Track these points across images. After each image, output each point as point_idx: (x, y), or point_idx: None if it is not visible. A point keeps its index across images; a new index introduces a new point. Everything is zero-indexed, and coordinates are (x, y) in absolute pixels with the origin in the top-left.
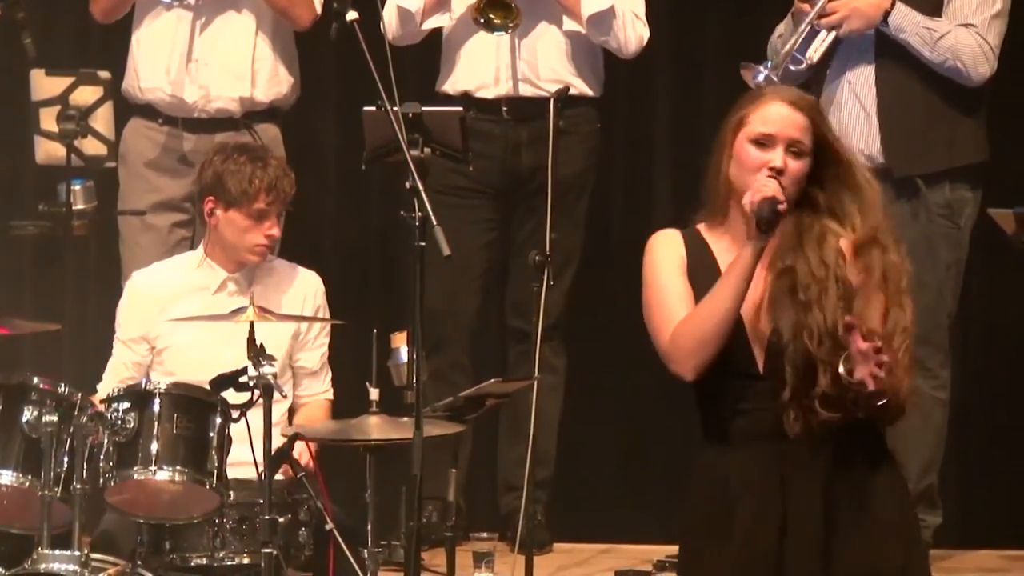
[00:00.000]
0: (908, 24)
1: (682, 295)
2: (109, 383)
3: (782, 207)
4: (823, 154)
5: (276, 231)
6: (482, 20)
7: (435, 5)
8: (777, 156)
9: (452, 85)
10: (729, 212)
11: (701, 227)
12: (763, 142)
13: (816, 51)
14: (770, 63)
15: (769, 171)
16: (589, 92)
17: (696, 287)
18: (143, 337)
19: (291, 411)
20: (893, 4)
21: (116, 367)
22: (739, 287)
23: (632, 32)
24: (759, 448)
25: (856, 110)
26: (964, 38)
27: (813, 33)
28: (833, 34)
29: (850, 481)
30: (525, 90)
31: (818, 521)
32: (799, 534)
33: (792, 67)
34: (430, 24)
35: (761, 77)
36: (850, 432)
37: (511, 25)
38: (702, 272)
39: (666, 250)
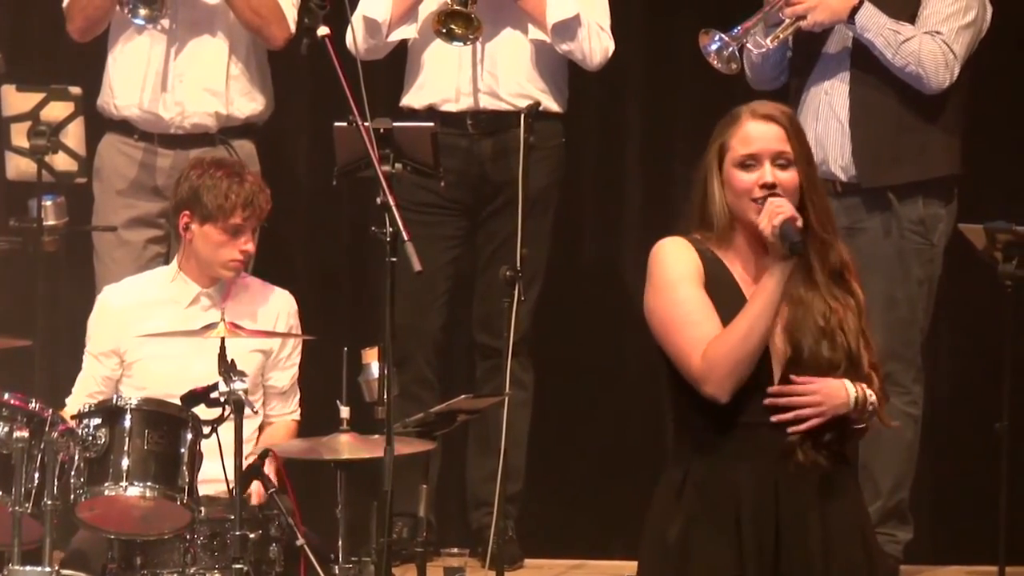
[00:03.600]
0: (874, 25)
1: (707, 311)
2: (78, 397)
3: (800, 223)
4: (804, 163)
5: (251, 247)
6: (444, 31)
7: (402, 16)
8: (766, 172)
9: (417, 99)
10: (734, 238)
11: (706, 241)
12: (748, 163)
13: (775, 38)
14: (734, 31)
15: (761, 188)
16: (554, 107)
17: (716, 302)
18: (113, 351)
19: (261, 429)
20: (861, 3)
21: (85, 381)
22: (774, 308)
23: (597, 43)
24: (765, 462)
25: (832, 122)
26: (928, 45)
27: (778, 21)
28: (796, 24)
29: (838, 507)
30: (489, 103)
31: (813, 540)
32: (793, 552)
33: (755, 51)
34: (396, 36)
35: (714, 46)
36: (839, 461)
37: (471, 37)
38: (721, 287)
39: (682, 259)
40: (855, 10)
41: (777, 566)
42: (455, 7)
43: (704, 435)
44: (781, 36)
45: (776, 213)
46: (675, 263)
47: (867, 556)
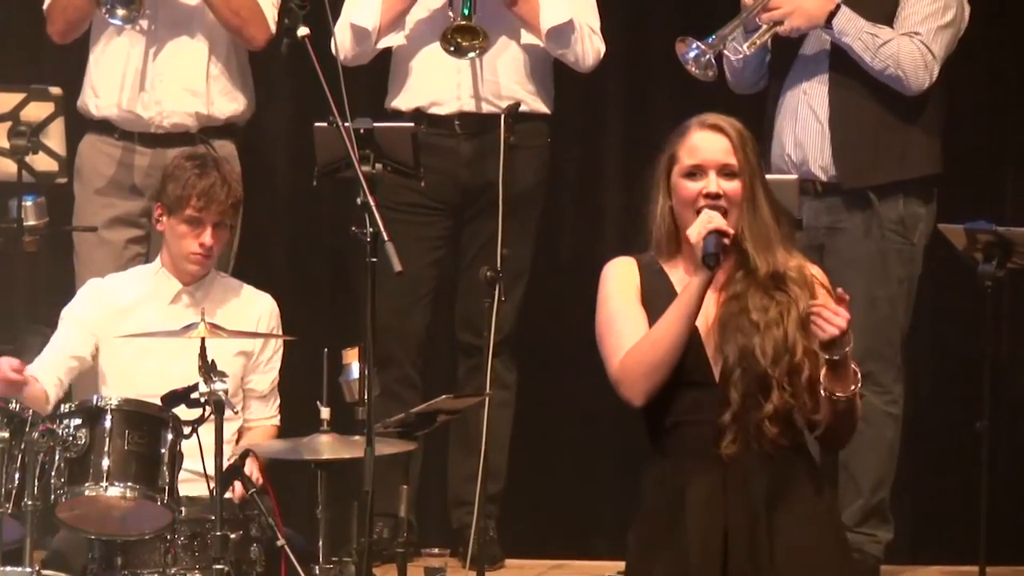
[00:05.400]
0: (851, 28)
1: (633, 322)
2: (40, 363)
3: (727, 240)
4: (749, 175)
5: (208, 240)
6: (451, 48)
7: (391, 23)
8: (711, 182)
9: (404, 102)
10: (681, 246)
11: (656, 255)
12: (694, 172)
13: (752, 44)
14: (710, 39)
15: (705, 199)
16: (543, 109)
17: (652, 313)
18: (90, 331)
19: (240, 434)
20: (838, 7)
21: (53, 349)
22: (688, 316)
23: (589, 46)
24: (711, 460)
25: (811, 122)
26: (907, 46)
27: (755, 26)
28: (774, 30)
29: (789, 504)
30: (477, 106)
31: (759, 535)
32: (738, 549)
33: (732, 57)
34: (384, 43)
35: (692, 54)
36: (789, 456)
37: (479, 47)
38: (658, 298)
39: (619, 277)
40: (832, 15)
41: (725, 566)
42: (460, 22)
43: (654, 435)
44: (758, 42)
45: (704, 224)
46: (610, 282)
47: (818, 549)
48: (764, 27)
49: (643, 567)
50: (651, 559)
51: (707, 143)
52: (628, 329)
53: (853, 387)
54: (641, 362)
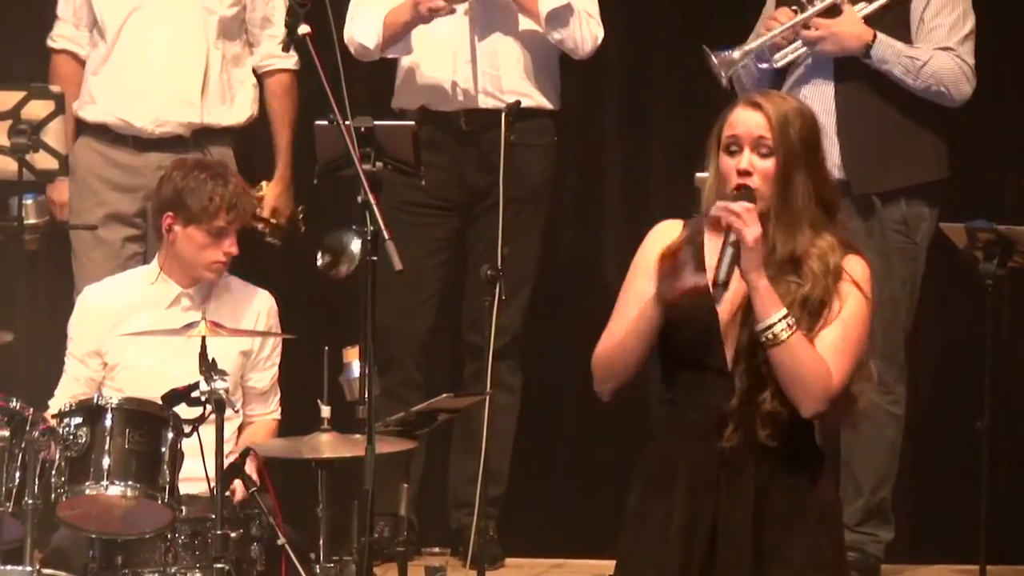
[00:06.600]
0: (891, 55)
1: (635, 307)
2: (61, 399)
3: (750, 243)
4: (784, 154)
5: (234, 249)
6: None
7: (392, 41)
8: (743, 158)
9: (410, 99)
10: None
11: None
12: (732, 146)
13: (784, 57)
14: (738, 50)
15: (738, 174)
16: (548, 105)
17: None
18: (96, 352)
19: (241, 429)
20: (875, 37)
21: (68, 383)
22: (640, 333)
23: (587, 30)
24: (710, 444)
25: None
26: (945, 62)
27: (791, 39)
28: (804, 49)
29: (785, 495)
30: (482, 102)
31: (747, 527)
32: (728, 538)
33: (759, 64)
34: (390, 55)
35: (737, 58)
36: (790, 450)
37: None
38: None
39: (653, 248)
40: (869, 45)
41: (712, 548)
42: None
43: (659, 412)
44: (789, 57)
45: (735, 222)
46: (642, 250)
47: (810, 548)
48: (797, 43)
49: (633, 534)
50: (641, 534)
51: (744, 118)
52: (624, 312)
53: (772, 320)
54: (602, 360)
